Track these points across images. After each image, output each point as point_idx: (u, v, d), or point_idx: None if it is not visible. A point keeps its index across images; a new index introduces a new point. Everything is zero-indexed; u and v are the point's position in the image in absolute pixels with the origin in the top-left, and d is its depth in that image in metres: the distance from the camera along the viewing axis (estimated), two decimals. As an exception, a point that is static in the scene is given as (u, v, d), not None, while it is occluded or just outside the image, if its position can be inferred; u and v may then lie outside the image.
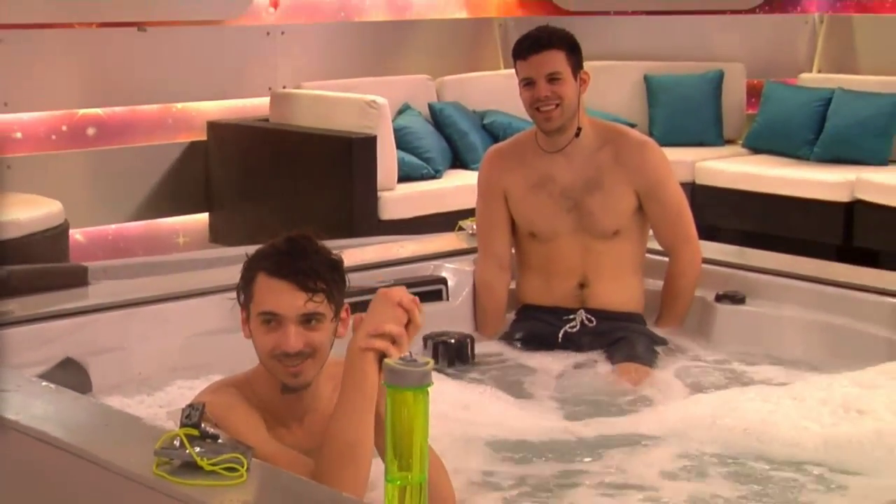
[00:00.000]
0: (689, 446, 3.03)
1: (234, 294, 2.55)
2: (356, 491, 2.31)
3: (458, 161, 6.71)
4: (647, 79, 7.41)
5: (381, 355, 2.33)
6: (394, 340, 2.33)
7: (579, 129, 3.73)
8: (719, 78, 7.32)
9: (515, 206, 3.83)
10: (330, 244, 2.55)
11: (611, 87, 7.41)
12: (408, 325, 2.37)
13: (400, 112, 6.76)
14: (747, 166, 6.79)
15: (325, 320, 2.44)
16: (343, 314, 2.50)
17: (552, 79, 3.66)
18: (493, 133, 6.71)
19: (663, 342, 3.76)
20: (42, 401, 2.61)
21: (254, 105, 6.73)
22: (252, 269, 2.47)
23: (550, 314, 3.78)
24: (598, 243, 3.75)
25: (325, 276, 2.44)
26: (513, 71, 3.78)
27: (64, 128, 6.19)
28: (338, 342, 2.50)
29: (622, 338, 3.69)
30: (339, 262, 2.51)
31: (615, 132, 3.84)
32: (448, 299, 3.93)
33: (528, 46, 3.70)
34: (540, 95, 3.67)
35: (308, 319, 2.42)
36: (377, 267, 3.88)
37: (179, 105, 6.56)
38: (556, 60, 3.66)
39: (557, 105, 3.67)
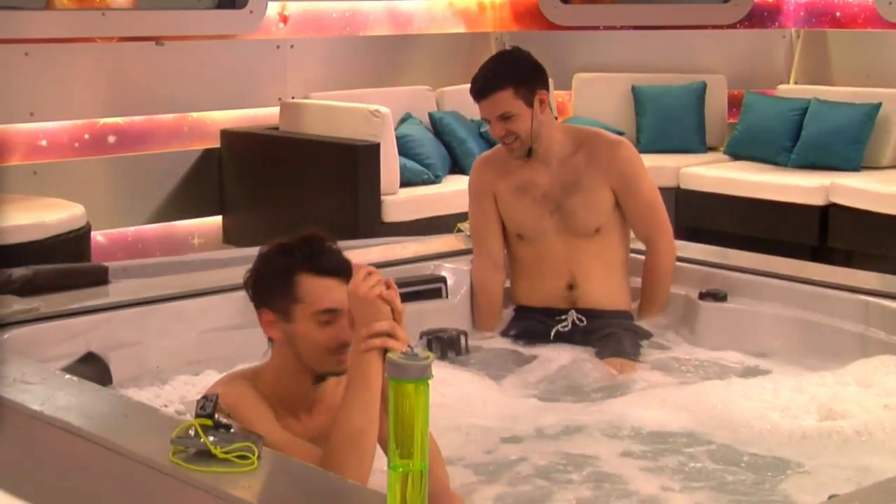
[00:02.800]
0: (668, 433, 3.04)
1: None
2: (360, 477, 2.31)
3: (457, 167, 6.70)
4: (634, 89, 7.40)
5: (384, 349, 2.33)
6: (389, 334, 2.33)
7: (531, 148, 3.72)
8: (702, 89, 7.31)
9: (503, 209, 3.84)
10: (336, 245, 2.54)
11: (600, 97, 7.42)
12: (393, 312, 2.36)
13: (402, 121, 6.76)
14: (728, 172, 6.78)
15: None
16: None
17: (503, 118, 3.66)
18: (490, 140, 6.66)
19: (649, 337, 3.76)
20: (65, 392, 2.61)
21: (264, 114, 6.72)
22: (287, 272, 2.42)
23: (543, 314, 3.78)
24: (582, 241, 3.76)
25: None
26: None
27: (86, 136, 6.18)
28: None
29: (610, 333, 3.68)
30: None
31: (588, 135, 3.85)
32: (447, 297, 3.93)
33: (476, 92, 3.71)
34: (496, 135, 3.69)
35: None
36: (381, 266, 3.85)
37: (194, 114, 6.55)
38: (503, 101, 3.65)
39: (515, 138, 3.68)
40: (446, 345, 3.65)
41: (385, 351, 2.31)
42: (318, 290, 2.41)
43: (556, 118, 3.90)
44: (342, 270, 2.41)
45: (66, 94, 6.05)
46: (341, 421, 2.35)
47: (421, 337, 3.67)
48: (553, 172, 3.77)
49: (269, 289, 2.46)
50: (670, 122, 7.25)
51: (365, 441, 2.34)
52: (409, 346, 2.26)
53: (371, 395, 2.34)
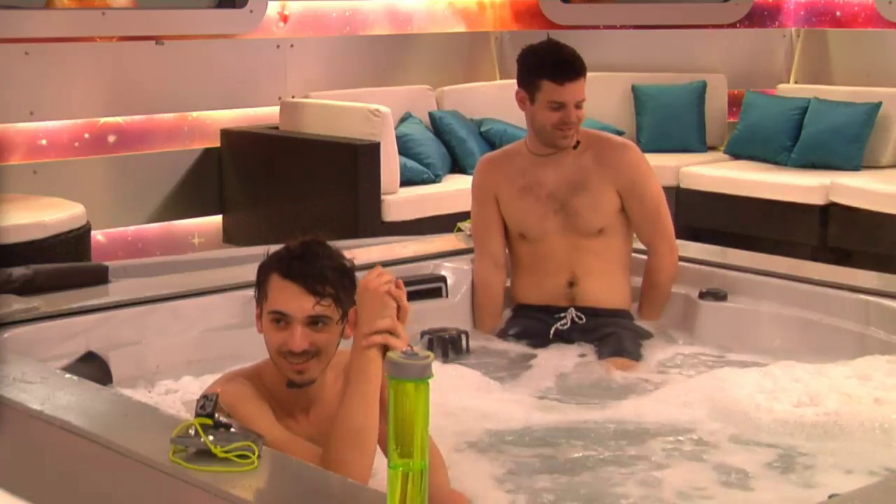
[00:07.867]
0: (669, 430, 3.04)
1: (247, 292, 2.55)
2: (361, 475, 2.31)
3: (457, 166, 6.70)
4: (634, 89, 7.40)
5: (384, 347, 2.34)
6: (391, 331, 2.34)
7: (578, 142, 3.74)
8: (702, 88, 7.31)
9: (506, 208, 3.84)
10: (336, 245, 2.54)
11: (600, 96, 7.39)
12: (398, 310, 2.37)
13: (402, 120, 6.76)
14: (729, 171, 6.78)
15: (331, 323, 2.43)
16: (351, 315, 2.47)
17: (579, 105, 3.67)
18: (490, 140, 6.70)
19: (649, 336, 3.76)
20: (65, 392, 2.62)
21: (265, 114, 6.72)
22: (267, 269, 2.47)
23: (542, 312, 3.78)
24: (584, 241, 3.76)
25: (333, 281, 2.43)
26: (508, 81, 3.77)
27: (86, 135, 6.18)
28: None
29: (610, 333, 3.68)
30: (350, 267, 2.50)
31: (596, 137, 3.86)
32: (448, 296, 3.93)
33: (563, 72, 3.64)
34: (570, 120, 3.67)
35: (315, 321, 2.42)
36: (381, 266, 3.87)
37: (194, 114, 6.55)
38: (584, 88, 3.68)
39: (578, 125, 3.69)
40: (448, 344, 3.65)
41: (385, 348, 2.33)
42: (277, 290, 2.43)
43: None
44: (308, 279, 2.40)
45: (66, 94, 6.05)
46: (342, 418, 2.35)
47: (422, 336, 3.67)
48: (560, 171, 3.77)
49: (258, 285, 2.49)
50: (670, 122, 7.25)
51: (365, 438, 2.35)
52: (409, 345, 2.26)
53: (371, 392, 2.35)
